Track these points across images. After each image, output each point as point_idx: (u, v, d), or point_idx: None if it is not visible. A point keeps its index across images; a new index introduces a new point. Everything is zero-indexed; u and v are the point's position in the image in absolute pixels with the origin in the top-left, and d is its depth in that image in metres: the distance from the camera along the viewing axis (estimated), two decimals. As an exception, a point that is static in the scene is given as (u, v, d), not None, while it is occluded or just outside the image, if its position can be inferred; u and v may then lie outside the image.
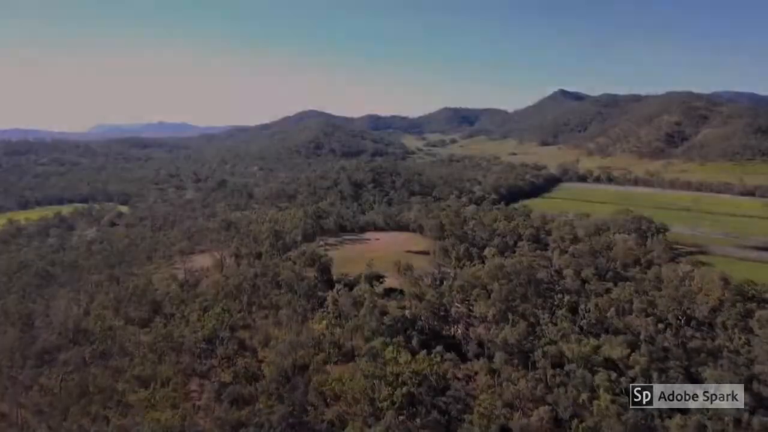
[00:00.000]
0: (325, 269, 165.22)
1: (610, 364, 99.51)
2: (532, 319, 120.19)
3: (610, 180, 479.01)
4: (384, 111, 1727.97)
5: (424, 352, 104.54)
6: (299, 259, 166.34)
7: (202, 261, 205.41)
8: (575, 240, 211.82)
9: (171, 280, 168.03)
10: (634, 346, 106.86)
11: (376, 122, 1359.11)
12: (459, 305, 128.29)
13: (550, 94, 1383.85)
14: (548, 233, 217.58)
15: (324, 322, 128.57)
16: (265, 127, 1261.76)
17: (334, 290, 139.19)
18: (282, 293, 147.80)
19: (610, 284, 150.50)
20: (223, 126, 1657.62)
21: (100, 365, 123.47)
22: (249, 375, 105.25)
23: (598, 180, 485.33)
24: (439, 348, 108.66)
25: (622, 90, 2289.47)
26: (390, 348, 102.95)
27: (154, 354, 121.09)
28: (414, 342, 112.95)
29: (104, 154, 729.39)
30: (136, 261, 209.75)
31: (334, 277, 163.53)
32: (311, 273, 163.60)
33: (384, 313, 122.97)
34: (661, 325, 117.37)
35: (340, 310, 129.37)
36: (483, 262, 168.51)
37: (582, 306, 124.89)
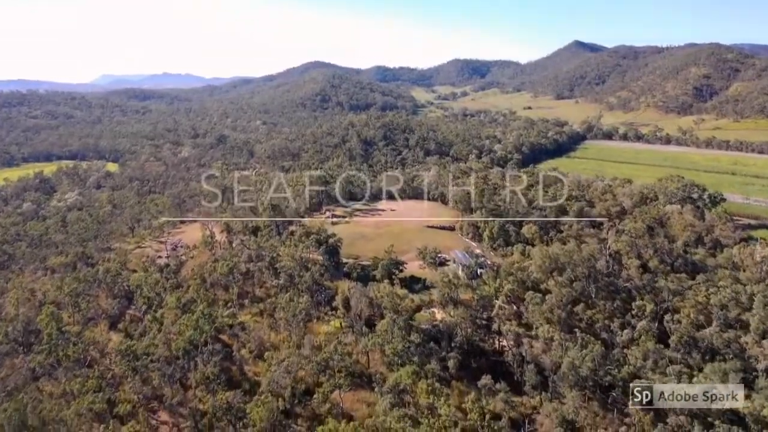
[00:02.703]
0: (333, 251, 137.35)
1: (729, 413, 71.94)
2: (603, 335, 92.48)
3: (639, 138, 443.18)
4: (392, 62, 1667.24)
5: (469, 394, 77.17)
6: (301, 243, 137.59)
7: (191, 234, 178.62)
8: (623, 212, 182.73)
9: (150, 263, 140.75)
10: (748, 382, 79.09)
11: (384, 74, 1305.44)
12: (506, 306, 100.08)
13: (564, 46, 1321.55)
14: (590, 204, 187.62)
15: (333, 324, 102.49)
16: (269, 78, 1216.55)
17: (346, 288, 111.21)
18: (281, 285, 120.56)
19: (682, 275, 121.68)
20: (228, 77, 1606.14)
21: (51, 381, 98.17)
22: (232, 413, 78.62)
23: (625, 137, 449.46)
24: (486, 379, 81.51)
25: (638, 42, 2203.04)
26: (422, 384, 75.64)
27: (119, 368, 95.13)
28: (450, 366, 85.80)
29: (101, 106, 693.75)
30: (116, 233, 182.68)
31: (344, 261, 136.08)
32: (316, 255, 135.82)
33: (409, 320, 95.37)
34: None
35: (352, 319, 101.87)
36: (525, 244, 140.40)
37: (668, 316, 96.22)
